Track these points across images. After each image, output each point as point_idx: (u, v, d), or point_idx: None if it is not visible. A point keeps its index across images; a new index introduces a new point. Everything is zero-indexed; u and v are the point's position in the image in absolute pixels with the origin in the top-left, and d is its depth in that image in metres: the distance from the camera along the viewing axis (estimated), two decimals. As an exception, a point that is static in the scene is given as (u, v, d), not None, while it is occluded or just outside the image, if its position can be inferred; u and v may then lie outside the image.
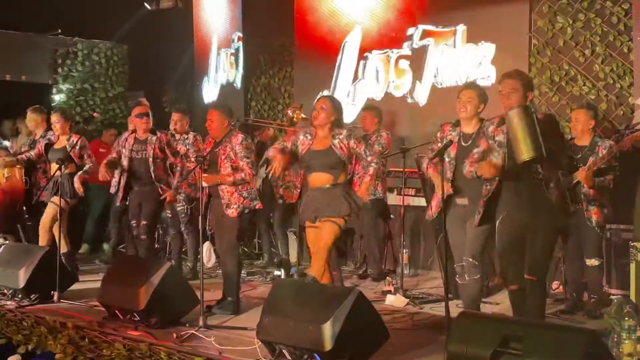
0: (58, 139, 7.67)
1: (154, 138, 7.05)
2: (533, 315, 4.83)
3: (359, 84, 8.93)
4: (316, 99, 5.78)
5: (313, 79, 9.42)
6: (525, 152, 4.52)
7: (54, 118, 7.67)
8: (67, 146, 7.51)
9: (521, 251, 4.81)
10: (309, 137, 5.73)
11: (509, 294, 5.02)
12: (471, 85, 5.48)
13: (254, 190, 6.22)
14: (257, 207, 6.25)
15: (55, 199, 7.21)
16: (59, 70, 10.83)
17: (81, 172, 7.45)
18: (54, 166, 7.33)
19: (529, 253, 4.79)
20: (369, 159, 5.63)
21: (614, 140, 6.05)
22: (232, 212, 6.10)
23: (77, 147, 7.49)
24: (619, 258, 6.06)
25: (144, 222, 7.02)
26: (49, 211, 7.47)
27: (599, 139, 6.06)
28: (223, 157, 6.10)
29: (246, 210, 6.16)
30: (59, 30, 10.72)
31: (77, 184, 7.38)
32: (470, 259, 5.14)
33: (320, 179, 5.63)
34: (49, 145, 7.71)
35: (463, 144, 5.22)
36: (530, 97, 4.85)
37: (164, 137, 7.10)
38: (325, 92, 8.85)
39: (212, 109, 6.35)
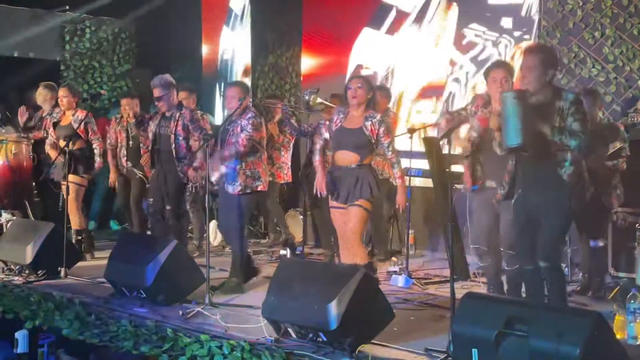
0: (64, 114, 7.69)
1: (178, 114, 6.78)
2: (554, 301, 4.78)
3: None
4: (349, 79, 5.82)
5: (321, 58, 9.41)
6: (508, 139, 4.49)
7: (62, 92, 7.69)
8: (73, 122, 7.53)
9: (531, 231, 4.77)
10: (342, 116, 5.70)
11: (523, 274, 4.91)
12: (501, 64, 5.50)
13: (258, 171, 6.17)
14: (259, 188, 6.20)
15: (70, 177, 7.25)
16: (67, 47, 10.82)
17: (97, 156, 7.66)
18: (63, 143, 7.36)
19: (541, 237, 4.72)
20: (390, 155, 5.66)
21: (622, 123, 6.09)
22: (232, 189, 6.10)
23: (83, 123, 7.50)
24: (625, 241, 6.07)
25: (168, 207, 6.87)
26: (69, 192, 7.49)
27: (607, 121, 6.12)
28: (231, 135, 6.08)
29: (248, 190, 6.12)
30: (67, 7, 10.67)
31: (98, 163, 7.68)
32: (510, 252, 5.17)
33: (347, 158, 5.60)
34: (56, 124, 7.73)
35: None
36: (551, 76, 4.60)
37: (188, 114, 6.86)
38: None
39: (229, 86, 6.31)
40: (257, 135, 6.14)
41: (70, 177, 7.28)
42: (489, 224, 5.46)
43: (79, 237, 7.62)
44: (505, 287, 5.54)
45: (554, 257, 4.70)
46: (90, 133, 7.62)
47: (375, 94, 5.82)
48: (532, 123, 4.44)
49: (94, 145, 7.65)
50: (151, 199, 6.89)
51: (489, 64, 5.82)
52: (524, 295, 5.07)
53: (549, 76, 4.54)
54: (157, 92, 6.76)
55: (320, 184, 5.71)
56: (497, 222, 5.42)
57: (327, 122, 5.85)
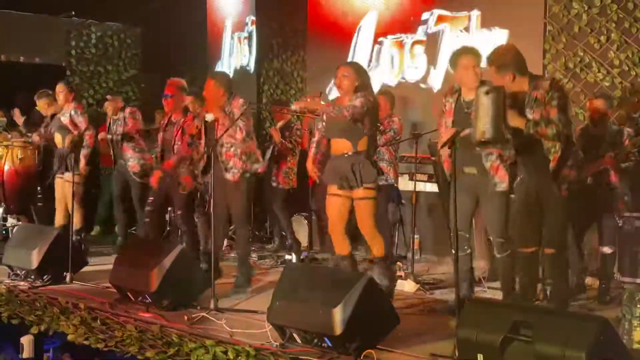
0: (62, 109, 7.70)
1: (182, 119, 6.89)
2: (557, 287, 4.85)
3: (373, 71, 8.86)
4: (337, 68, 5.67)
5: (326, 63, 9.39)
6: (479, 134, 4.54)
7: (59, 88, 7.70)
8: (62, 116, 7.52)
9: (533, 215, 4.79)
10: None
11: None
12: (470, 50, 5.32)
13: (254, 153, 6.16)
14: (259, 170, 6.23)
15: (67, 175, 7.26)
16: (73, 52, 10.86)
17: (83, 149, 7.41)
18: (57, 137, 7.40)
19: (546, 226, 4.75)
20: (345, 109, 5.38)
21: (628, 126, 6.11)
22: (231, 175, 6.06)
23: (72, 114, 7.48)
24: (631, 246, 6.06)
25: (178, 212, 7.00)
26: (60, 188, 7.51)
27: (615, 125, 6.12)
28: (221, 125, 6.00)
29: (247, 174, 6.11)
30: (73, 12, 10.72)
31: (82, 163, 7.36)
32: (499, 239, 5.12)
33: (340, 146, 5.55)
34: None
35: (466, 110, 5.15)
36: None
37: (189, 119, 6.86)
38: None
39: (208, 78, 6.25)
40: (251, 122, 6.17)
41: (67, 175, 7.31)
42: (469, 209, 5.33)
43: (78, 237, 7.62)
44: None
45: (559, 245, 4.76)
46: (78, 125, 7.48)
47: (367, 80, 5.64)
48: (506, 118, 4.50)
49: (84, 138, 7.44)
50: (152, 198, 7.02)
51: (455, 48, 5.54)
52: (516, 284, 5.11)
53: (508, 78, 4.65)
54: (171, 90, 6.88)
55: (310, 169, 5.73)
56: (475, 208, 5.36)
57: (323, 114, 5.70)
